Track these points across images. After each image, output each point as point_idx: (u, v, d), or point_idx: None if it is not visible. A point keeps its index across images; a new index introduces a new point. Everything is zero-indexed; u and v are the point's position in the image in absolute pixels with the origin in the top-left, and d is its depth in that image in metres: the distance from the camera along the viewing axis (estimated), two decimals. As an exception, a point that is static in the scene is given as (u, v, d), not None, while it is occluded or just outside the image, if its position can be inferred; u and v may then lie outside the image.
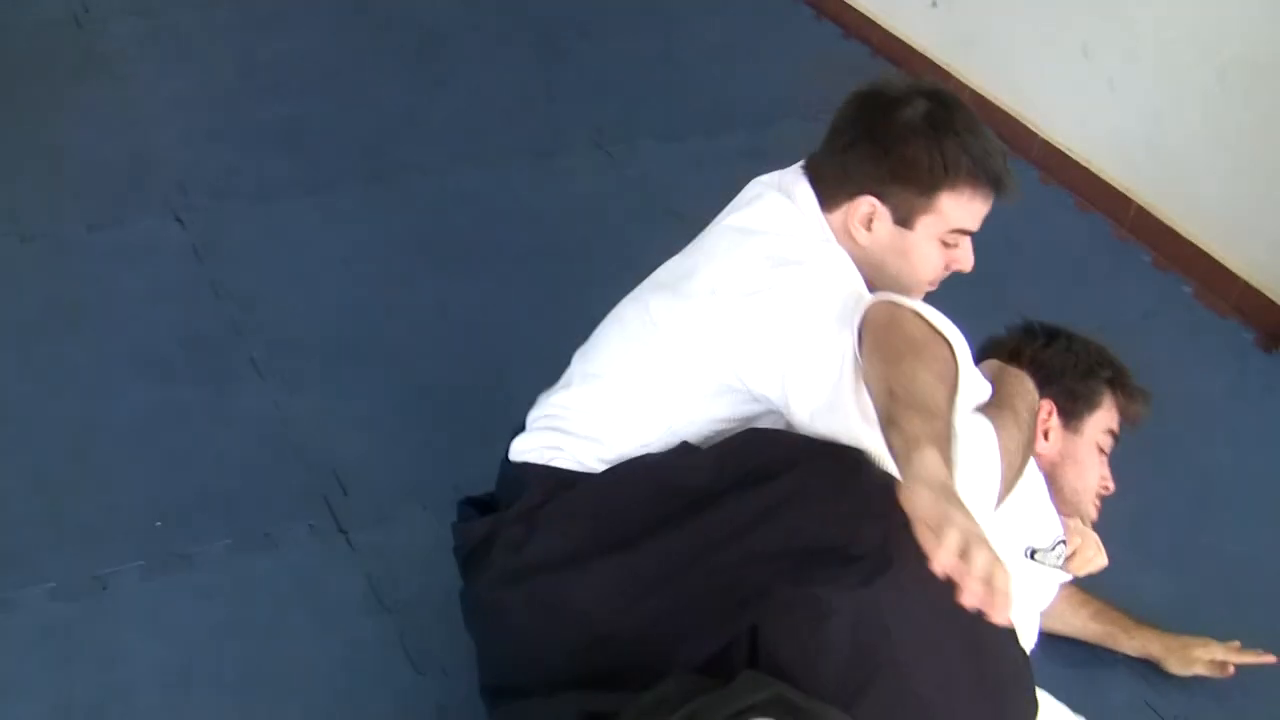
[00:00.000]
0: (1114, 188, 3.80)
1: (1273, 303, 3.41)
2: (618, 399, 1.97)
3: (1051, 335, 2.37)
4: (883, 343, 1.70)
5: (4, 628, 2.30)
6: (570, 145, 3.89)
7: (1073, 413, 2.32)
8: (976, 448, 1.80)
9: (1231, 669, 2.33)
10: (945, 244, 1.94)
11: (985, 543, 1.37)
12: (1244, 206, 3.46)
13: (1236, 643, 2.39)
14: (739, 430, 1.88)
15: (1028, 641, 2.10)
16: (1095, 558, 2.22)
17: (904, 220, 1.92)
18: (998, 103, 4.12)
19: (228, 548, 2.49)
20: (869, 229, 1.93)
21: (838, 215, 1.95)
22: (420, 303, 3.16)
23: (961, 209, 1.91)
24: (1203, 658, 2.35)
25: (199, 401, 2.81)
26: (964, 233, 1.94)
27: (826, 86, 4.28)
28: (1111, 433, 2.36)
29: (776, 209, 1.97)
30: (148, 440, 2.71)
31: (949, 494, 1.44)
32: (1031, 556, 2.13)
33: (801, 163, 2.02)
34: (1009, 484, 1.87)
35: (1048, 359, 2.32)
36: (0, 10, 4.24)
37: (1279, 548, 2.78)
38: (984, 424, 1.84)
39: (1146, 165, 3.72)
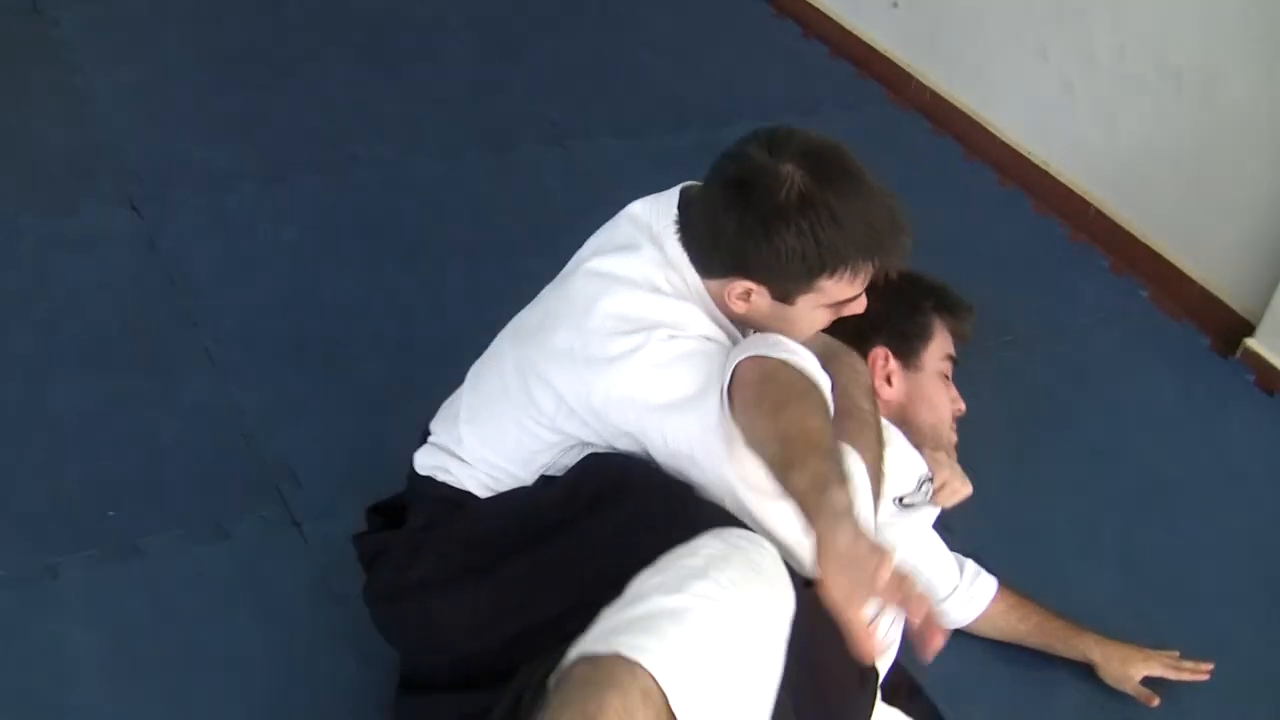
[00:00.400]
0: (1072, 190, 3.82)
1: (1228, 307, 3.45)
2: (495, 442, 2.02)
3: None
4: (762, 396, 1.71)
5: (-50, 616, 2.27)
6: (524, 139, 3.87)
7: (909, 351, 2.35)
8: (857, 479, 1.84)
9: (1156, 701, 2.35)
10: (831, 307, 1.91)
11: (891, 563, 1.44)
12: (1200, 210, 3.50)
13: (1175, 652, 2.42)
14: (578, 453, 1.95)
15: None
16: (961, 488, 2.23)
17: (783, 298, 1.87)
18: (957, 104, 4.14)
19: (179, 538, 2.46)
20: (747, 302, 1.89)
21: (714, 284, 1.90)
22: (372, 294, 3.14)
23: (843, 286, 1.85)
24: (1135, 676, 2.36)
25: (151, 391, 2.78)
26: (849, 301, 1.91)
27: (784, 85, 4.38)
28: (950, 358, 2.38)
29: (647, 263, 1.89)
30: (99, 429, 2.68)
31: (861, 527, 1.49)
32: (901, 503, 2.14)
33: (675, 220, 1.91)
34: (877, 480, 1.92)
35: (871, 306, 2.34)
36: (-45, -5, 4.19)
37: (1227, 550, 2.80)
38: (849, 453, 1.86)
39: (1104, 168, 3.75)
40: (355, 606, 2.20)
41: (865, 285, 1.88)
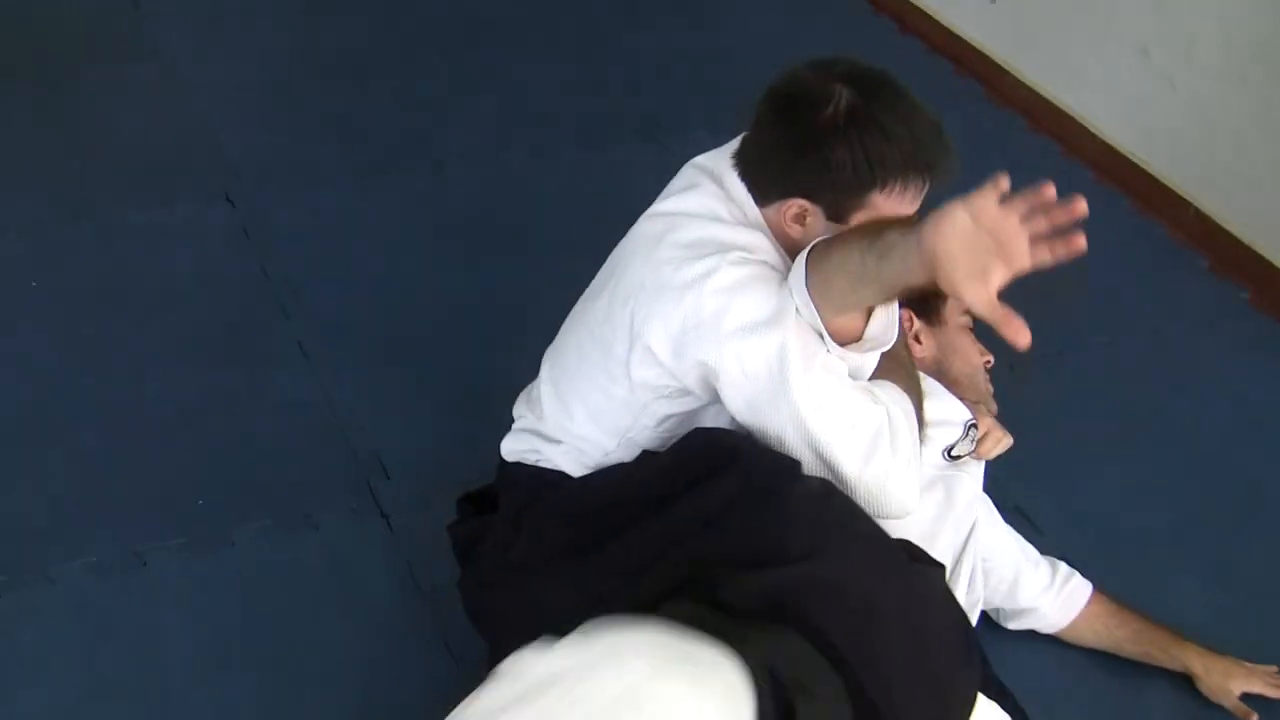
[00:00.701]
0: (1171, 190, 3.73)
1: (1332, 310, 3.35)
2: (577, 410, 2.03)
3: None
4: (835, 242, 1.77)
5: (43, 602, 2.32)
6: (620, 135, 3.87)
7: (930, 310, 2.39)
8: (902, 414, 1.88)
9: (1254, 717, 2.30)
10: None
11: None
12: (1304, 212, 3.41)
13: (1274, 668, 2.37)
14: (686, 425, 1.97)
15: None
16: (1002, 439, 2.27)
17: (837, 217, 1.86)
18: (1054, 101, 4.07)
19: (267, 529, 2.50)
20: (803, 225, 1.89)
21: (771, 210, 1.91)
22: (466, 290, 3.16)
23: (894, 201, 1.85)
24: (1235, 691, 2.31)
25: (243, 384, 2.82)
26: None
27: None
28: (968, 311, 2.35)
29: (708, 197, 1.93)
30: (191, 422, 2.72)
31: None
32: (950, 455, 2.20)
33: (732, 153, 1.96)
34: (919, 420, 1.95)
35: None
36: (55, -11, 4.28)
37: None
38: (892, 388, 1.91)
39: (1204, 168, 3.66)
40: (442, 599, 2.22)
41: (918, 204, 1.87)
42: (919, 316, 2.38)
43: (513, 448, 2.13)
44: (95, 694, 2.17)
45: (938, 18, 4.56)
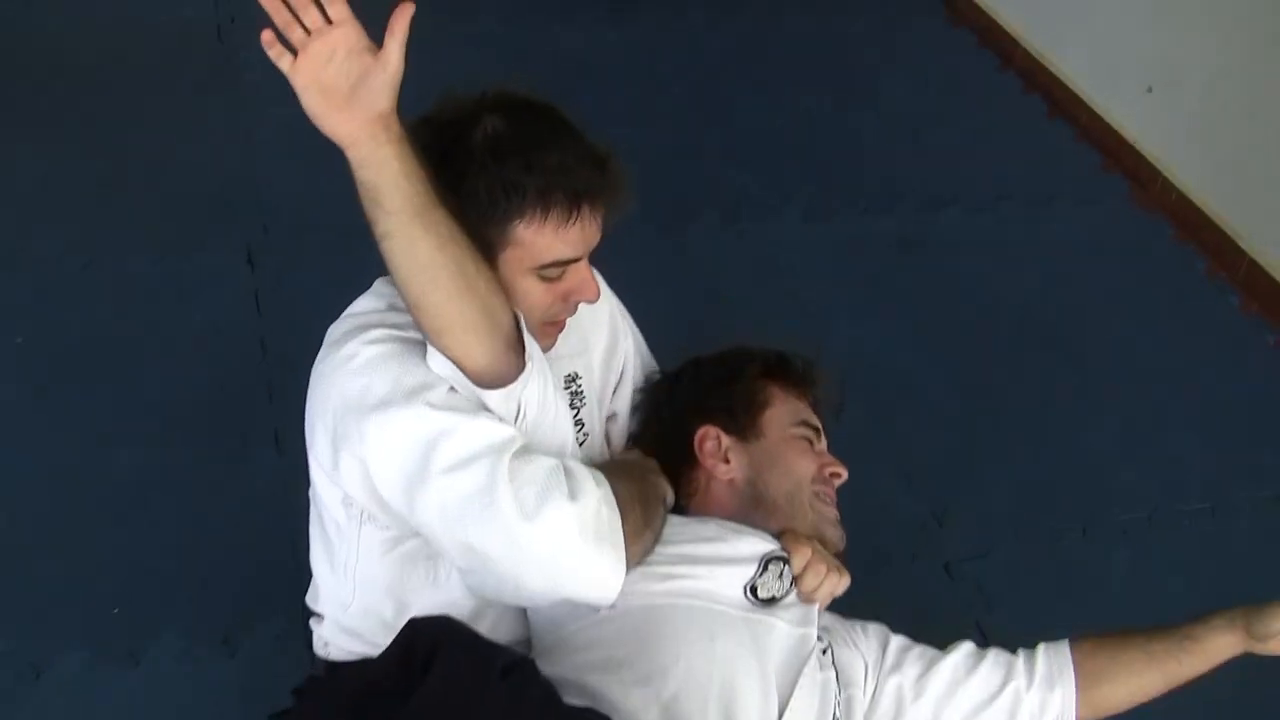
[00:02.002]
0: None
1: None
2: (319, 553, 1.91)
3: (676, 373, 2.13)
4: None
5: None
6: (702, 212, 3.54)
7: (739, 424, 2.03)
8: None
9: None
10: (545, 278, 1.71)
11: None
12: None
13: None
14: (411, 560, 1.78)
15: None
16: (829, 575, 1.86)
17: (485, 253, 1.61)
18: (1205, 209, 3.57)
19: (181, 649, 2.27)
20: None
21: None
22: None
23: (538, 234, 1.66)
24: None
25: (208, 469, 2.60)
26: (559, 264, 1.70)
27: (1015, 170, 3.89)
28: (805, 423, 2.06)
29: (372, 295, 1.81)
30: (146, 502, 2.55)
31: None
32: (755, 596, 1.80)
33: None
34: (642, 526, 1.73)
35: (680, 394, 2.08)
36: (143, 12, 4.13)
37: None
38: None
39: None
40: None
41: (577, 239, 1.69)
42: (728, 432, 2.02)
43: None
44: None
45: (1091, 103, 4.12)
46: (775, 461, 2.00)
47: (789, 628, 1.79)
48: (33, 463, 2.59)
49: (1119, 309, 3.34)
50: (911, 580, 2.60)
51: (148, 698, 2.21)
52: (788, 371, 2.11)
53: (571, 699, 1.63)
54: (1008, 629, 2.43)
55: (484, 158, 1.64)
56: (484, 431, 1.58)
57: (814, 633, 1.82)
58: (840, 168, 3.80)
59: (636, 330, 2.14)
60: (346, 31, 1.42)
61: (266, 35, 1.42)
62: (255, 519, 2.49)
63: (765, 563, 1.82)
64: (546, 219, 1.66)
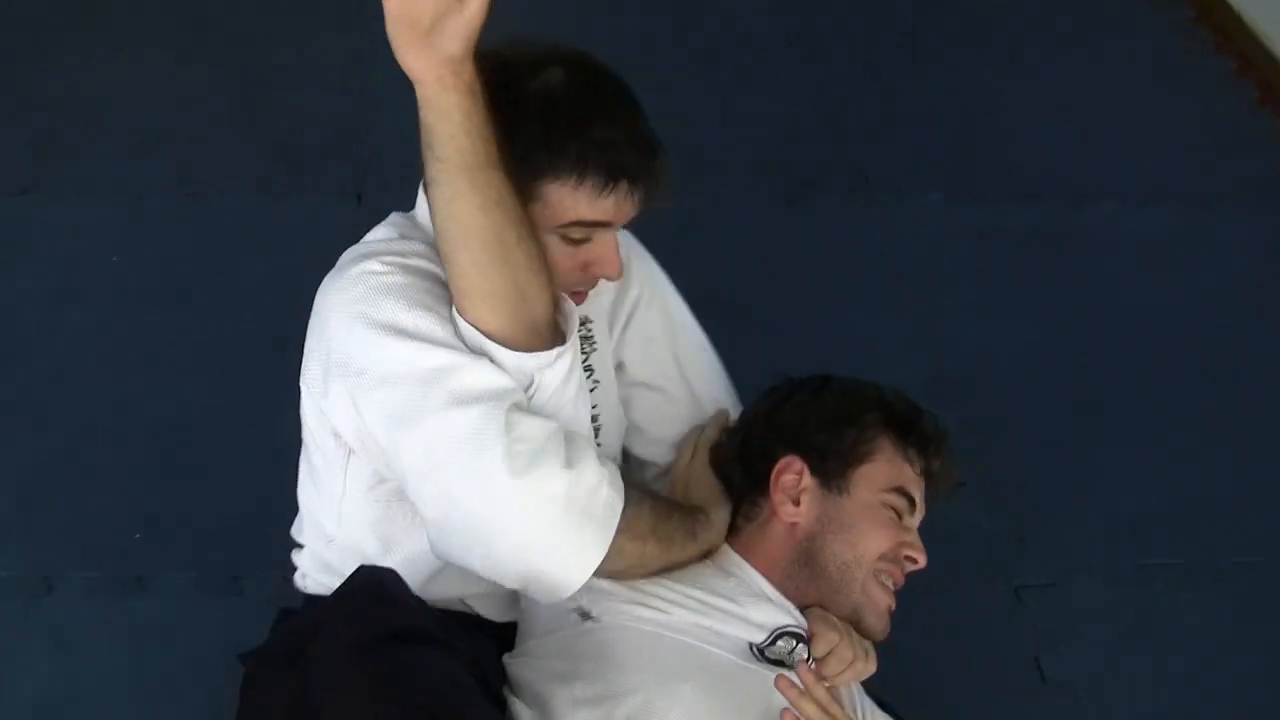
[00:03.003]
0: None
1: None
2: (305, 478, 1.89)
3: (795, 388, 1.93)
4: None
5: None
6: (827, 181, 3.38)
7: (827, 470, 1.82)
8: None
9: None
10: (568, 239, 1.62)
11: None
12: None
13: None
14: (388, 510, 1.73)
15: None
16: (854, 662, 1.72)
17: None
18: None
19: (193, 580, 2.32)
20: None
21: None
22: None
23: (571, 197, 1.58)
24: None
25: (259, 411, 2.56)
26: (584, 225, 1.62)
27: (1191, 165, 3.56)
28: (901, 491, 1.83)
29: (387, 225, 1.76)
30: (184, 439, 2.56)
31: None
32: (760, 653, 1.69)
33: None
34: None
35: (785, 415, 1.89)
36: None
37: None
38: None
39: None
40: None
41: (608, 213, 1.62)
42: (813, 473, 1.83)
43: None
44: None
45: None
46: (846, 527, 1.80)
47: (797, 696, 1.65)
48: (94, 382, 2.65)
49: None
50: (975, 599, 2.44)
51: (148, 623, 2.26)
52: (911, 431, 1.89)
53: (525, 704, 1.60)
54: (1067, 669, 2.34)
55: (533, 110, 1.58)
56: (486, 375, 1.53)
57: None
58: (983, 151, 3.56)
59: (674, 295, 2.03)
60: None
61: None
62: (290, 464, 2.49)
63: (777, 635, 1.72)
64: (580, 186, 1.59)
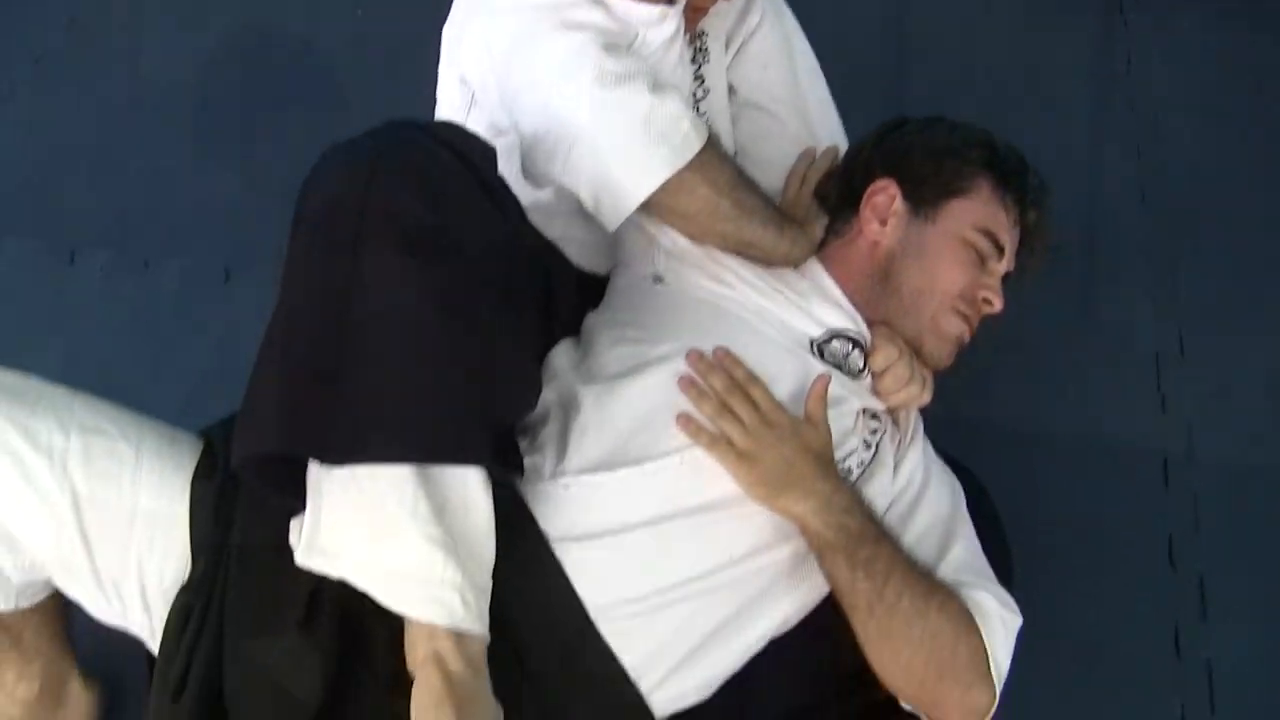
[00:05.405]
0: None
1: None
2: None
3: (906, 121, 1.91)
4: None
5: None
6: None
7: (921, 198, 1.80)
8: None
9: None
10: None
11: None
12: None
13: None
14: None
15: None
16: (910, 385, 1.73)
17: None
18: None
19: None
20: None
21: None
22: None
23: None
24: None
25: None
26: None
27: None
28: (988, 234, 1.78)
29: None
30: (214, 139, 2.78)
31: None
32: (818, 350, 1.72)
33: None
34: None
35: (892, 142, 1.86)
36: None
37: None
38: None
39: None
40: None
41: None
42: (905, 198, 1.81)
43: None
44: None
45: None
46: (925, 254, 1.78)
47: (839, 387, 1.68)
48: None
49: None
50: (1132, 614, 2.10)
51: (149, 299, 2.49)
52: (1013, 177, 1.84)
53: (575, 343, 1.76)
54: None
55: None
56: (594, 14, 1.69)
57: (875, 408, 1.73)
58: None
59: (801, 38, 2.07)
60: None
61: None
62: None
63: (832, 335, 1.74)
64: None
